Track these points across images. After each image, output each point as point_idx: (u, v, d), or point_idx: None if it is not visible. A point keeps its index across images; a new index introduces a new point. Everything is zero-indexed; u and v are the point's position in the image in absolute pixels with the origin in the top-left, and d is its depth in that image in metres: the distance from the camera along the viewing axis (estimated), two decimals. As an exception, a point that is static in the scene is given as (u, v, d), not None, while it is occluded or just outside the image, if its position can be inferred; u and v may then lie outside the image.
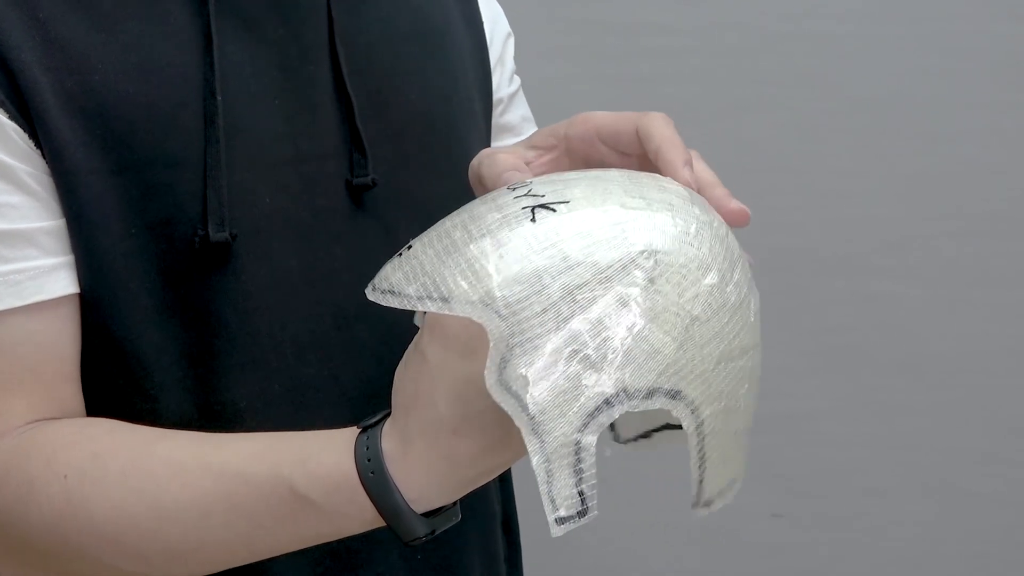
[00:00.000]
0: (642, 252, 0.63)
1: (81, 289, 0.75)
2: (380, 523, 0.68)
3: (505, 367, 0.62)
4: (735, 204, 0.68)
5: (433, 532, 0.68)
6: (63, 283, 0.75)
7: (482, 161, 0.73)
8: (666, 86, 1.53)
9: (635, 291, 0.62)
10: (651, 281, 0.62)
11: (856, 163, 1.59)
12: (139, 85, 0.75)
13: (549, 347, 0.62)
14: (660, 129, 0.69)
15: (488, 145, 0.96)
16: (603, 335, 0.61)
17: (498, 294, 0.62)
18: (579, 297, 0.62)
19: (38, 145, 0.73)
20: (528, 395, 0.61)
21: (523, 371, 0.62)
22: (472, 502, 0.72)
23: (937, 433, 1.65)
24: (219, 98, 0.77)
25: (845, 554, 1.69)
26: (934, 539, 1.67)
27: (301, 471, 0.69)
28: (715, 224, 0.66)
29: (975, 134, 1.57)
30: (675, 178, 0.68)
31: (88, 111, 0.74)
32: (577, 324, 0.62)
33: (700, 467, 0.64)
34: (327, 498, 0.68)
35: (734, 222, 0.68)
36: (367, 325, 0.83)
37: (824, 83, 1.57)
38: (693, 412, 0.62)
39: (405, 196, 0.86)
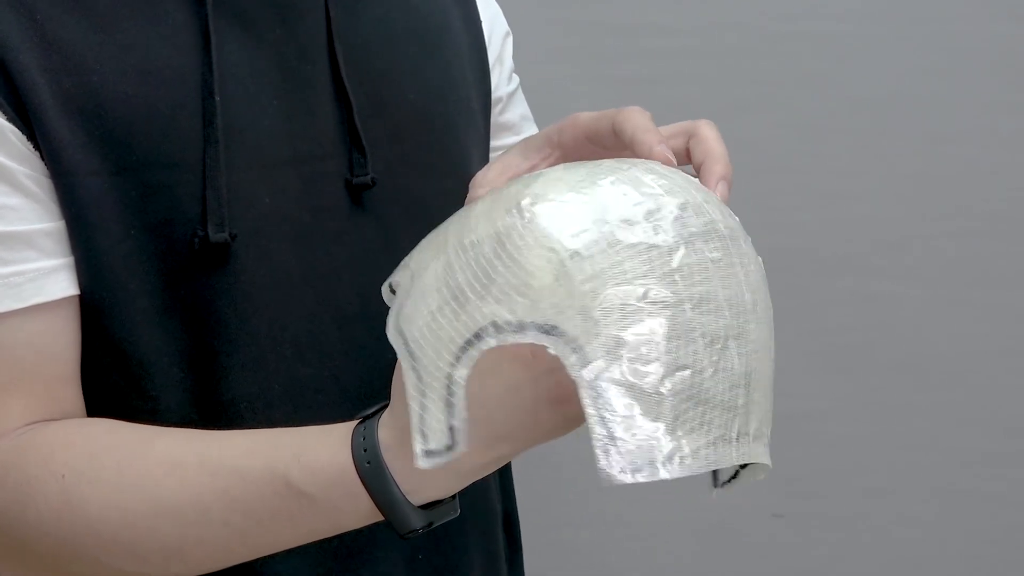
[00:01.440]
0: (528, 197, 0.63)
1: (81, 291, 0.75)
2: (377, 517, 0.69)
3: (400, 312, 0.65)
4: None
5: (430, 525, 0.68)
6: (63, 285, 0.75)
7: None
8: (666, 87, 1.53)
9: (512, 229, 0.62)
10: (530, 219, 0.62)
11: (856, 163, 1.59)
12: (137, 86, 0.75)
13: (432, 286, 0.64)
14: (632, 120, 0.69)
15: (487, 144, 0.96)
16: (477, 271, 0.62)
17: (415, 254, 0.67)
18: (465, 241, 0.63)
19: (36, 147, 0.73)
20: (408, 332, 0.64)
21: (408, 311, 0.64)
22: (473, 501, 0.72)
23: (937, 433, 1.64)
24: (218, 98, 0.77)
25: (845, 554, 1.69)
26: (935, 539, 1.67)
27: (296, 465, 0.69)
28: (675, 190, 0.64)
29: (975, 134, 1.57)
30: (648, 158, 0.68)
31: (86, 112, 0.74)
32: (456, 262, 0.63)
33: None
34: (323, 491, 0.68)
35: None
36: (367, 325, 0.83)
37: (824, 83, 1.57)
38: (576, 352, 0.60)
39: (404, 195, 0.86)
